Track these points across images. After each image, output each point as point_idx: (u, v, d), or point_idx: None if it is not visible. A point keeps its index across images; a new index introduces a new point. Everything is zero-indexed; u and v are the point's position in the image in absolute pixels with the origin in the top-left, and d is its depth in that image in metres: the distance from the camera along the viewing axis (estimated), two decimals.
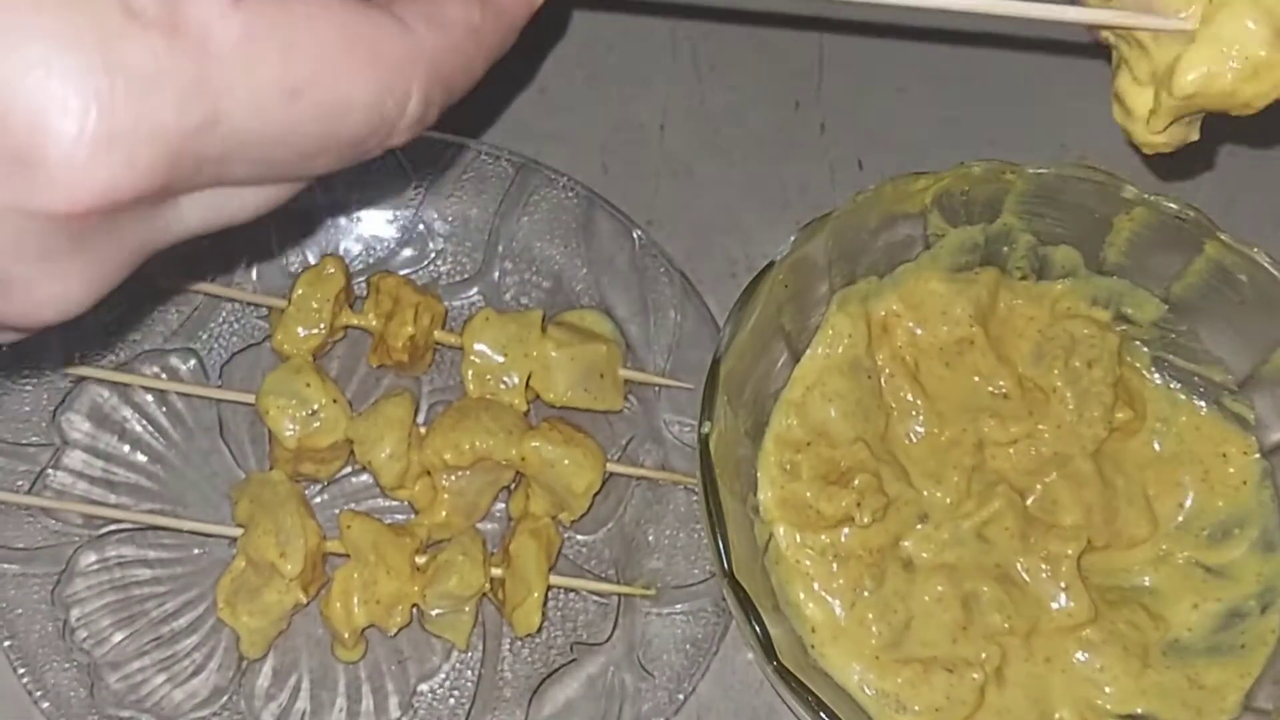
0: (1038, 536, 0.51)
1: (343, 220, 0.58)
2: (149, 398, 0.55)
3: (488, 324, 0.54)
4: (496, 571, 0.52)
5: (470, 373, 0.54)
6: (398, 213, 0.58)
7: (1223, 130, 0.62)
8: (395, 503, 0.54)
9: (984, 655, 0.49)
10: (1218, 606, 0.51)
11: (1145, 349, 0.54)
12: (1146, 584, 0.52)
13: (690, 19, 0.63)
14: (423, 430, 0.53)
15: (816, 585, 0.50)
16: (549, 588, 0.52)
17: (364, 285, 0.56)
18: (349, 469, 0.55)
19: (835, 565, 0.50)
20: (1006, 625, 0.50)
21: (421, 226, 0.58)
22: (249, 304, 0.57)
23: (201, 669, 0.52)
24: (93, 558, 0.52)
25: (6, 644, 0.50)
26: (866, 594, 0.50)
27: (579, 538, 0.55)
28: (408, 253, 0.58)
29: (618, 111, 0.63)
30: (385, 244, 0.58)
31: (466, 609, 0.51)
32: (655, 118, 0.63)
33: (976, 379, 0.53)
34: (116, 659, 0.51)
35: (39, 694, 0.50)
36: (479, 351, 0.54)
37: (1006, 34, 0.63)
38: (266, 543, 0.50)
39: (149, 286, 0.55)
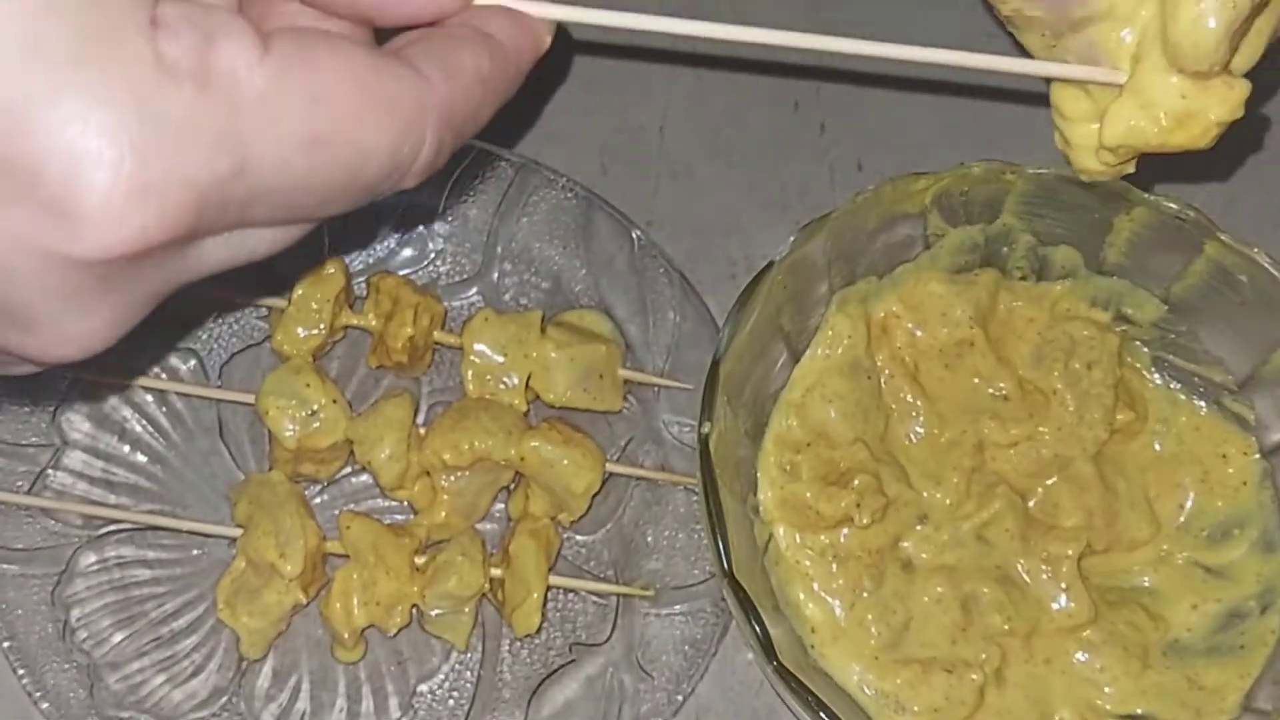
0: (1038, 537, 0.51)
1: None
2: (149, 398, 0.55)
3: (487, 324, 0.54)
4: (496, 572, 0.52)
5: (470, 373, 0.54)
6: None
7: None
8: (395, 503, 0.54)
9: (984, 656, 0.49)
10: (1217, 607, 0.51)
11: (1145, 349, 0.54)
12: (1146, 584, 0.52)
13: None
14: (422, 431, 0.53)
15: (816, 586, 0.50)
16: (548, 588, 0.52)
17: (364, 285, 0.56)
18: (349, 469, 0.55)
19: (835, 566, 0.50)
20: (1006, 626, 0.50)
21: (421, 227, 0.58)
22: (249, 304, 0.57)
23: (201, 670, 0.52)
24: (92, 558, 0.52)
25: (6, 644, 0.50)
26: (866, 594, 0.50)
27: (578, 538, 0.55)
28: (407, 253, 0.58)
29: (617, 112, 0.62)
30: (385, 244, 0.58)
31: (466, 610, 0.51)
32: (655, 119, 0.63)
33: (976, 380, 0.53)
34: (116, 659, 0.51)
35: (38, 695, 0.50)
36: (479, 352, 0.54)
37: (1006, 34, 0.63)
38: (266, 543, 0.50)
39: None
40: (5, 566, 0.51)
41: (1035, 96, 0.63)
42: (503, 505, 0.55)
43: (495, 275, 0.58)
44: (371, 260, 0.58)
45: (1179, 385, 0.54)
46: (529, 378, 0.54)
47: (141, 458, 0.54)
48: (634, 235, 0.57)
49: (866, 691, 0.49)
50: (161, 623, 0.52)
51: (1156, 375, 0.54)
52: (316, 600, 0.52)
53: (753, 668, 0.54)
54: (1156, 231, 0.51)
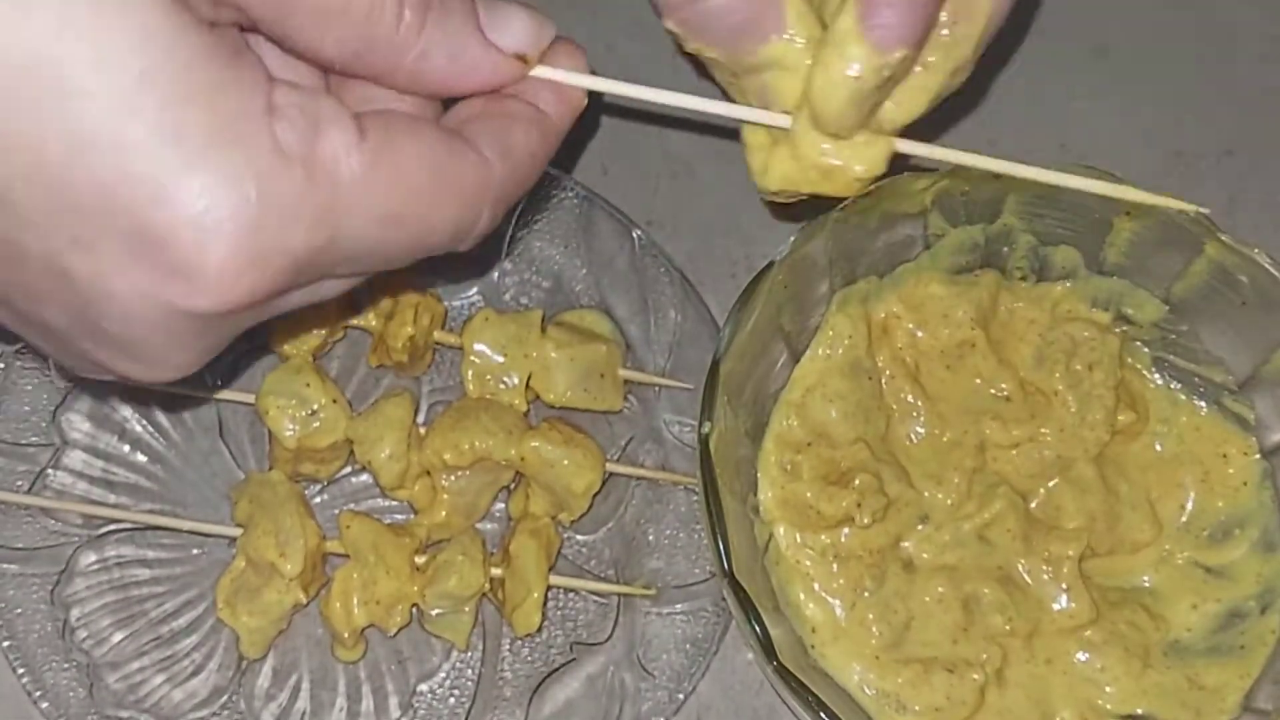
0: (1039, 538, 0.51)
1: None
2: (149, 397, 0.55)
3: (487, 324, 0.54)
4: (496, 571, 0.52)
5: (470, 373, 0.54)
6: None
7: (1223, 131, 0.63)
8: (395, 503, 0.54)
9: (985, 656, 0.49)
10: (1218, 607, 0.51)
11: (1146, 350, 0.54)
12: (1146, 584, 0.52)
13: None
14: (422, 430, 0.53)
15: (817, 585, 0.50)
16: (549, 588, 0.52)
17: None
18: (349, 469, 0.55)
19: (835, 565, 0.50)
20: (1008, 627, 0.50)
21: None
22: None
23: (201, 669, 0.52)
24: (92, 558, 0.52)
25: (6, 644, 0.50)
26: (867, 594, 0.50)
27: (579, 538, 0.55)
28: None
29: (618, 112, 0.62)
30: None
31: (466, 609, 0.51)
32: (655, 118, 0.63)
33: (978, 381, 0.53)
34: (116, 659, 0.51)
35: (38, 694, 0.50)
36: (479, 352, 0.54)
37: (1006, 34, 0.63)
38: (266, 543, 0.50)
39: None
40: (5, 566, 0.51)
41: (1035, 96, 0.63)
42: (503, 505, 0.55)
43: (495, 275, 0.58)
44: None
45: (1179, 385, 0.54)
46: (529, 377, 0.54)
47: (141, 457, 0.54)
48: (634, 235, 0.57)
49: (867, 691, 0.49)
50: (161, 622, 0.52)
51: (1157, 375, 0.54)
52: (316, 600, 0.52)
53: (753, 667, 0.54)
54: (1156, 232, 0.51)
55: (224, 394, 0.55)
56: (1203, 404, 0.54)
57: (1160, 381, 0.54)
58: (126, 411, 0.55)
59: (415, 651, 0.53)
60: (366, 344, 0.56)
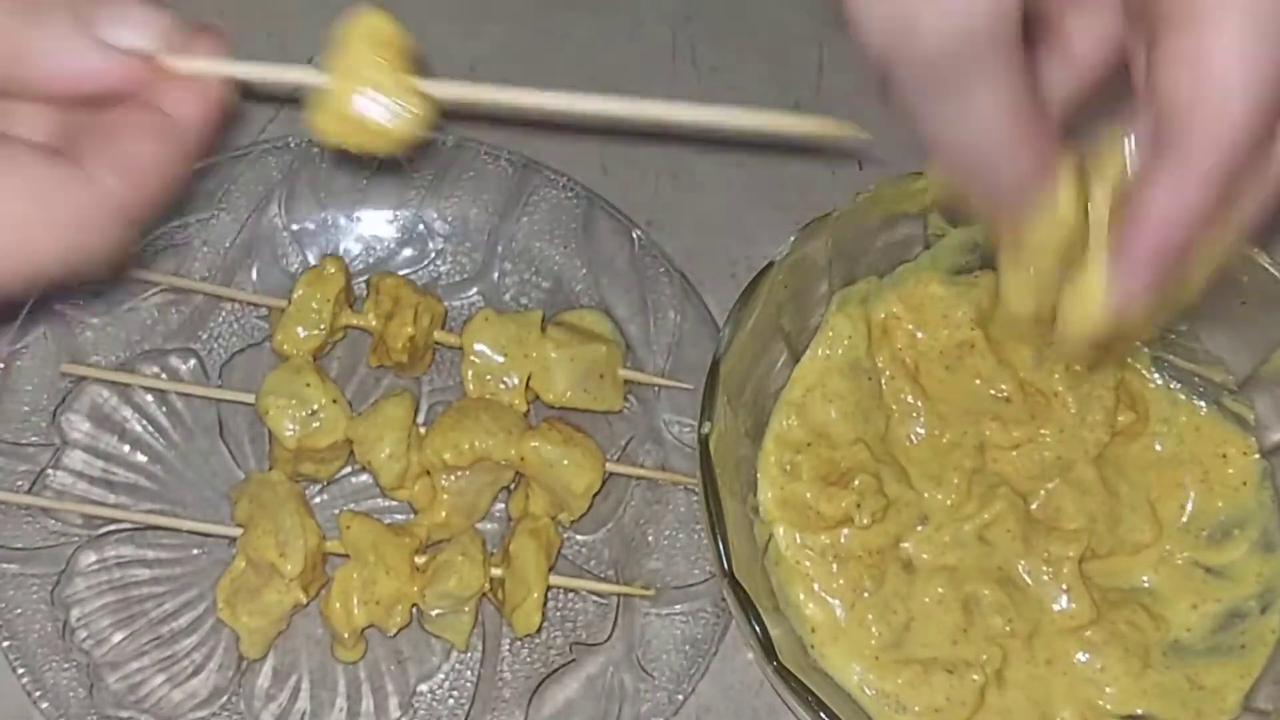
0: (1039, 539, 0.51)
1: (343, 220, 0.58)
2: (149, 398, 0.55)
3: (487, 324, 0.54)
4: (496, 572, 0.52)
5: (470, 373, 0.54)
6: (398, 213, 0.58)
7: None
8: (395, 503, 0.54)
9: (984, 657, 0.49)
10: (1217, 607, 0.51)
11: (1145, 350, 0.54)
12: (1146, 585, 0.52)
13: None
14: (422, 430, 0.53)
15: (816, 586, 0.50)
16: (548, 588, 0.52)
17: (364, 285, 0.56)
18: (349, 469, 0.55)
19: (835, 566, 0.50)
20: (1008, 628, 0.50)
21: (421, 226, 0.58)
22: (249, 304, 0.57)
23: (201, 669, 0.52)
24: (92, 558, 0.52)
25: (6, 644, 0.50)
26: (866, 595, 0.50)
27: (579, 538, 0.55)
28: (408, 253, 0.58)
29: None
30: (385, 244, 0.58)
31: (466, 609, 0.51)
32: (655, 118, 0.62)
33: (978, 382, 0.53)
34: (116, 659, 0.51)
35: (38, 694, 0.50)
36: (479, 352, 0.54)
37: None
38: (266, 543, 0.50)
39: (146, 283, 0.56)
40: (5, 566, 0.51)
41: None
42: (503, 505, 0.55)
43: (495, 275, 0.58)
44: (372, 260, 0.58)
45: (1179, 385, 0.54)
46: (529, 378, 0.54)
47: (141, 457, 0.54)
48: (634, 235, 0.57)
49: (867, 691, 0.49)
50: (161, 622, 0.52)
51: (1157, 376, 0.54)
52: (316, 600, 0.52)
53: (753, 667, 0.53)
54: None
55: (224, 394, 0.55)
56: (1202, 404, 0.54)
57: (1160, 381, 0.54)
58: (127, 411, 0.55)
59: (415, 652, 0.53)
60: (366, 344, 0.56)
